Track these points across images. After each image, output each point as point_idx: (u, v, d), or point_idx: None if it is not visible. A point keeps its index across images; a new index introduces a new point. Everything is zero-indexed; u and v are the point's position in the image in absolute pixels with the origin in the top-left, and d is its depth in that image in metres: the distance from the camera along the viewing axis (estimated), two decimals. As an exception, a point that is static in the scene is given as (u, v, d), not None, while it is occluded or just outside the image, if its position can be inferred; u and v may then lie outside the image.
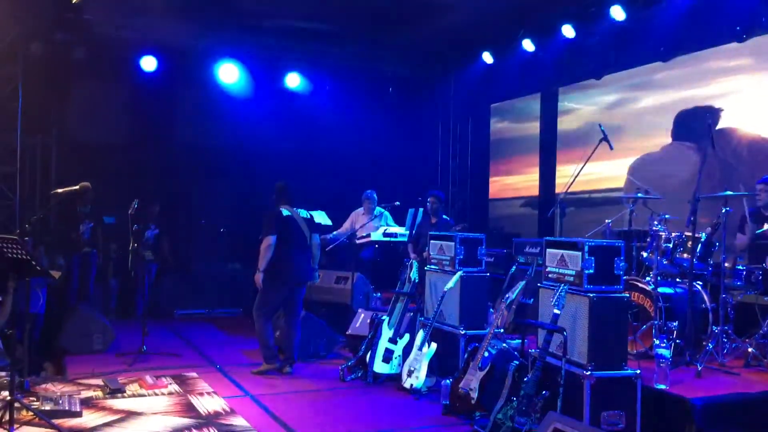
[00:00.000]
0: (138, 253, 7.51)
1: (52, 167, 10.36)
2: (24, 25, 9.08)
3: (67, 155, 10.32)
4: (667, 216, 6.29)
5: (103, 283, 9.45)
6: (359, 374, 6.38)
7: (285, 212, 6.62)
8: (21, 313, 5.73)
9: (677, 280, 6.31)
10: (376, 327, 6.47)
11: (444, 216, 8.28)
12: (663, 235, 6.17)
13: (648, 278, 6.12)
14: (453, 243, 6.40)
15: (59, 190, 5.62)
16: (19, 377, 5.38)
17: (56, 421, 4.78)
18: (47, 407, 4.99)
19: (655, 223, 6.25)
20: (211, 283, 10.21)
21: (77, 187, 5.56)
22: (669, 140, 8.64)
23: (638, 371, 4.73)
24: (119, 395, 5.65)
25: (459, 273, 6.18)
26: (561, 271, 5.00)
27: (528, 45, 9.76)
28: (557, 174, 10.35)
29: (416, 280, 6.66)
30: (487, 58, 10.54)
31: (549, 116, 10.64)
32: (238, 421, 5.09)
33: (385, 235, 8.88)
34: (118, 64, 9.98)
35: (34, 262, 4.75)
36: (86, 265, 8.92)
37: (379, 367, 6.25)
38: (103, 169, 9.73)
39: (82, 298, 8.65)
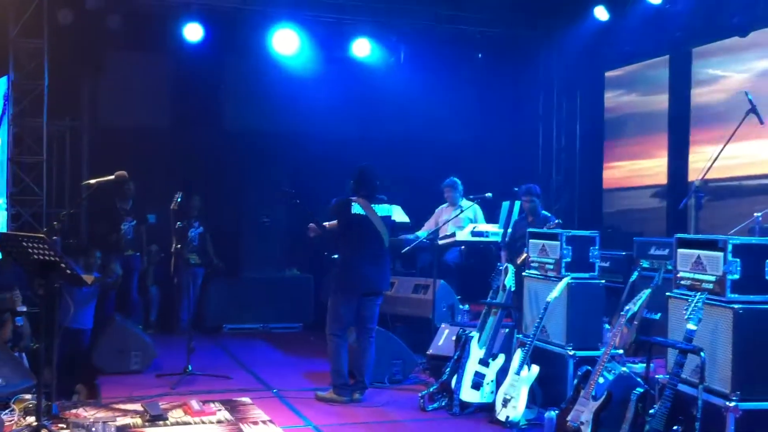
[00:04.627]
0: (182, 256, 7.65)
1: (83, 156, 10.81)
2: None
3: (101, 142, 10.75)
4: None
5: (142, 291, 9.75)
6: (443, 403, 6.39)
7: (358, 209, 6.66)
8: (49, 326, 5.97)
9: None
10: (463, 346, 6.44)
11: (544, 212, 8.25)
12: (830, 231, 5.90)
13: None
14: (558, 242, 6.33)
15: (91, 181, 5.81)
16: (47, 401, 5.57)
17: (89, 452, 4.99)
18: (78, 435, 5.20)
19: (820, 216, 5.99)
20: (266, 293, 10.36)
21: (113, 176, 5.73)
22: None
23: (797, 404, 4.56)
24: (160, 423, 5.81)
25: (566, 279, 6.10)
26: (697, 276, 4.91)
27: (653, -5, 9.52)
28: (691, 157, 10.09)
29: (512, 289, 6.61)
30: (601, 13, 10.30)
31: (680, 85, 10.36)
32: (299, 455, 5.18)
33: (473, 234, 8.83)
34: (158, 34, 10.26)
35: (63, 265, 4.96)
36: (128, 270, 9.20)
37: (468, 394, 6.23)
38: (140, 157, 10.06)
39: (122, 309, 8.92)
